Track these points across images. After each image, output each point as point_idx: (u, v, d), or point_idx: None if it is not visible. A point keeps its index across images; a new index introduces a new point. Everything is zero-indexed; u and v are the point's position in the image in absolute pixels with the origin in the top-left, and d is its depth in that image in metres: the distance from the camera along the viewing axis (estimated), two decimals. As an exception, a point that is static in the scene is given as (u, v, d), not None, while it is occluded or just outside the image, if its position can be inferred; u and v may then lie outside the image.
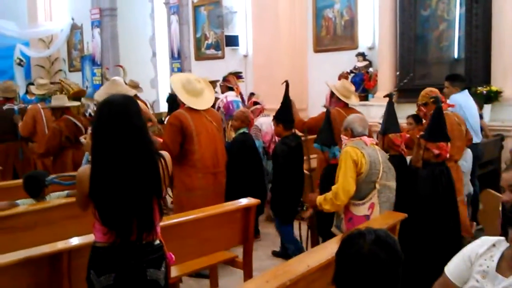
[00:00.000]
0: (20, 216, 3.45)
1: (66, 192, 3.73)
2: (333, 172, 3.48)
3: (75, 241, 2.59)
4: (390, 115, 4.04)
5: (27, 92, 10.10)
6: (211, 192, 4.18)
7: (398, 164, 3.71)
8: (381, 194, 3.38)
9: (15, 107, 6.51)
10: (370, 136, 3.72)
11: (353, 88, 5.15)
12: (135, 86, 7.24)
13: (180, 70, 10.84)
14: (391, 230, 3.15)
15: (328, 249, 2.60)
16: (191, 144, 4.11)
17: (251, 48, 9.40)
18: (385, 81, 7.53)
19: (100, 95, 5.37)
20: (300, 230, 4.44)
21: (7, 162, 6.26)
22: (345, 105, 4.90)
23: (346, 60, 8.10)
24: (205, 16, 10.37)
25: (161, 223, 2.33)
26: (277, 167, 4.53)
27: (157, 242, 2.29)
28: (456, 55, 6.90)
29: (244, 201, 3.61)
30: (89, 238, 2.38)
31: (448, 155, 3.77)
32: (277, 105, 5.07)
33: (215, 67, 10.17)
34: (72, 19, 13.58)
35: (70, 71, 14.02)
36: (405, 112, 7.25)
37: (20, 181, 4.41)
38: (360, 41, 8.09)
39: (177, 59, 10.92)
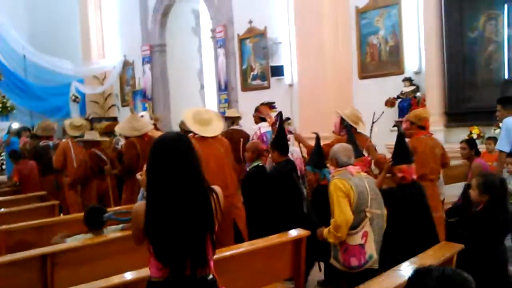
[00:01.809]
0: (78, 250, 3.59)
1: (121, 225, 3.86)
2: (323, 192, 3.65)
3: (131, 275, 2.65)
4: (399, 148, 4.11)
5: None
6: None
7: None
8: (374, 222, 3.45)
9: (50, 143, 7.07)
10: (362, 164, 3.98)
11: (361, 115, 5.26)
12: (157, 119, 8.01)
13: (227, 101, 11.07)
14: (448, 262, 3.09)
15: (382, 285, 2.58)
16: None
17: (296, 77, 9.50)
18: (434, 105, 7.42)
19: (121, 127, 5.95)
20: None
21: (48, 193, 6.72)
22: (355, 131, 4.98)
23: (392, 86, 8.04)
24: (251, 48, 10.59)
25: (214, 257, 2.37)
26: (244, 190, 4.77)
27: (211, 276, 2.30)
28: (506, 76, 6.74)
29: (294, 233, 3.61)
30: (145, 272, 2.43)
31: (414, 176, 3.91)
32: (324, 133, 5.18)
33: (261, 97, 10.26)
34: (124, 56, 14.16)
35: (122, 105, 14.53)
36: (456, 136, 7.13)
37: (75, 215, 4.66)
38: (406, 66, 8.02)
39: (224, 91, 11.16)
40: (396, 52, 8.15)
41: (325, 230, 3.47)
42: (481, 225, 3.46)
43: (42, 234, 4.56)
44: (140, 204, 2.31)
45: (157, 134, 6.26)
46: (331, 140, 4.96)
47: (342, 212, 3.32)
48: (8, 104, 14.94)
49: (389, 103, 7.90)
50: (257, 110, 6.93)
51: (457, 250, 3.23)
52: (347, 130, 4.69)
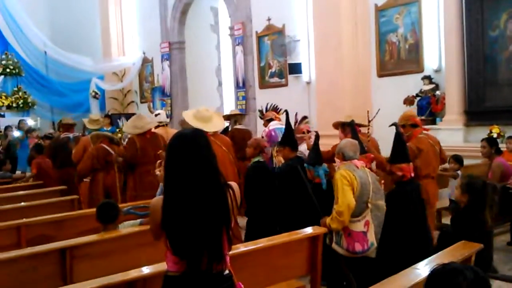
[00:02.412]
0: (96, 244, 3.66)
1: (139, 220, 3.91)
2: (316, 189, 4.09)
3: (149, 269, 2.69)
4: (398, 145, 4.22)
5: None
6: None
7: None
8: (373, 213, 3.71)
9: (71, 135, 7.25)
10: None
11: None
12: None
13: (245, 98, 11.10)
14: (466, 261, 3.09)
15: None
16: None
17: (314, 75, 9.48)
18: (453, 104, 7.35)
19: (127, 126, 6.31)
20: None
21: (66, 186, 6.91)
22: (359, 131, 5.15)
23: (412, 84, 7.98)
24: (269, 45, 10.60)
25: (230, 252, 2.39)
26: (280, 187, 4.87)
27: (227, 272, 2.32)
28: (528, 75, 6.64)
29: (310, 230, 3.64)
30: (162, 266, 2.45)
31: (412, 174, 3.99)
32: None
33: (278, 94, 10.33)
34: (144, 53, 14.28)
35: (141, 102, 14.67)
36: (475, 135, 7.05)
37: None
38: (425, 64, 7.94)
39: (242, 88, 11.19)
40: (415, 50, 8.07)
41: (328, 218, 3.71)
42: (461, 223, 3.71)
43: (62, 228, 4.66)
44: (157, 199, 2.34)
45: (172, 132, 6.46)
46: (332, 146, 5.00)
47: (345, 198, 3.57)
48: (29, 100, 15.22)
49: (408, 101, 7.84)
50: (262, 117, 7.08)
51: (476, 249, 3.21)
52: (351, 128, 4.78)
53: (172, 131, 7.26)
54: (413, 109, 7.83)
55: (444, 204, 5.97)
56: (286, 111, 5.72)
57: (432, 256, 3.19)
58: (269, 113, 7.07)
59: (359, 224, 3.66)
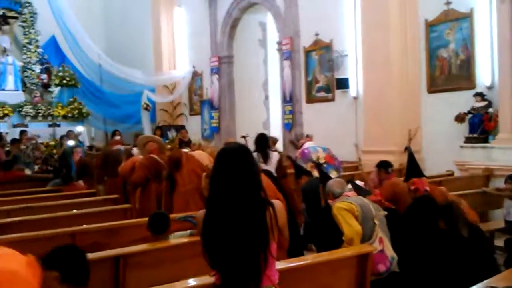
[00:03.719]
0: (148, 253, 3.78)
1: (189, 231, 4.02)
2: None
3: (195, 281, 2.75)
4: (411, 165, 4.72)
5: (154, 134, 11.02)
6: None
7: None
8: (382, 227, 3.72)
9: (122, 148, 7.49)
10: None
11: None
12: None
13: (292, 112, 11.16)
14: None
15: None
16: None
17: (362, 90, 9.44)
18: (507, 121, 7.12)
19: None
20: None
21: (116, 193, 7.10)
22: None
23: (463, 101, 7.81)
24: (316, 60, 10.64)
25: (279, 267, 2.41)
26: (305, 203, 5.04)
27: None
28: None
29: (360, 247, 3.63)
30: (209, 279, 2.49)
31: (426, 188, 4.24)
32: (389, 147, 5.26)
33: (325, 109, 10.36)
34: (193, 67, 14.60)
35: (190, 114, 14.99)
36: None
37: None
38: (477, 80, 7.77)
39: (289, 102, 11.26)
40: (467, 66, 7.92)
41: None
42: None
43: (115, 235, 4.83)
44: (202, 211, 2.40)
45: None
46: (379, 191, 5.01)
47: (350, 226, 3.59)
48: (84, 110, 15.86)
49: (459, 118, 7.67)
50: (297, 147, 7.31)
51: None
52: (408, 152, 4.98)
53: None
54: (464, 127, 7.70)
55: (497, 225, 5.80)
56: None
57: (486, 280, 3.11)
58: (302, 140, 7.33)
59: (375, 245, 3.63)
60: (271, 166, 6.05)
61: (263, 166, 5.82)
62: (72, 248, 2.29)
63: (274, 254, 2.33)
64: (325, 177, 4.72)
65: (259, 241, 2.25)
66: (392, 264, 3.67)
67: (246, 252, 2.23)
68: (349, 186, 4.37)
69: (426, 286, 3.79)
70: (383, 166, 5.34)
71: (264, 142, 6.25)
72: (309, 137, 7.77)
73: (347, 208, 3.66)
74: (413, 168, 4.42)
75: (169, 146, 8.39)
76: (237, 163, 2.31)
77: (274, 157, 6.16)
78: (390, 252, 3.68)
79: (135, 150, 7.63)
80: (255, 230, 2.25)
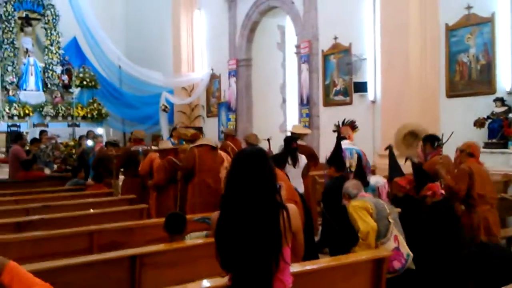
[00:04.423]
0: (164, 253, 3.81)
1: (205, 232, 4.04)
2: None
3: (216, 281, 2.76)
4: (392, 165, 5.02)
5: (171, 135, 11.09)
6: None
7: (406, 202, 4.35)
8: (397, 225, 3.82)
9: (140, 149, 7.66)
10: None
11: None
12: (231, 133, 9.23)
13: (309, 115, 11.15)
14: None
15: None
16: None
17: (380, 94, 9.39)
18: (527, 127, 7.03)
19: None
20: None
21: (133, 193, 7.21)
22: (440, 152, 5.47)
23: (483, 106, 7.71)
24: (334, 64, 10.62)
25: (293, 270, 2.41)
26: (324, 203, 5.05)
27: None
28: None
29: (378, 251, 3.62)
30: (221, 280, 2.51)
31: (442, 192, 4.30)
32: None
33: (342, 112, 10.28)
34: (212, 69, 14.68)
35: (207, 116, 15.07)
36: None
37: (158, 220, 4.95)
38: (498, 85, 7.67)
39: (306, 105, 11.25)
40: (487, 71, 7.82)
41: (356, 247, 3.76)
42: None
43: (131, 235, 4.88)
44: (217, 213, 2.43)
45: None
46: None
47: (364, 221, 3.68)
48: (103, 111, 16.07)
49: (479, 123, 7.58)
50: (337, 131, 6.96)
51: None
52: (390, 152, 5.14)
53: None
54: (483, 132, 7.60)
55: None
56: (338, 133, 5.87)
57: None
58: (343, 129, 6.95)
59: (390, 243, 3.72)
60: (299, 169, 6.05)
61: (291, 169, 5.83)
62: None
63: (287, 259, 2.32)
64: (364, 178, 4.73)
65: (271, 245, 2.25)
66: (408, 261, 3.74)
67: (257, 255, 2.23)
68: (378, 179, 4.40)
69: (440, 284, 3.85)
70: (430, 139, 5.39)
71: (292, 144, 6.25)
72: (353, 128, 6.99)
73: (362, 206, 3.77)
74: (420, 174, 4.42)
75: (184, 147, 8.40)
76: (253, 166, 2.32)
77: (303, 160, 6.14)
78: (405, 249, 3.76)
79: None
80: (267, 233, 2.25)
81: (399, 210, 3.97)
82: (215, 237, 2.35)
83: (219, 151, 7.15)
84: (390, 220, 3.77)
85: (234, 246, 2.26)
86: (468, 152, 5.19)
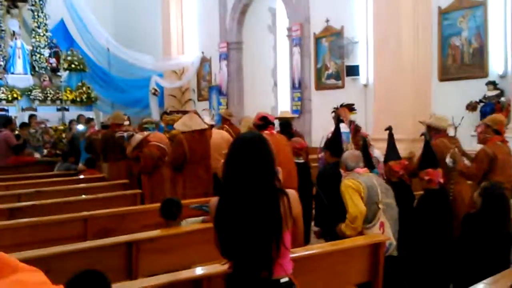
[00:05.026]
0: (161, 238, 3.81)
1: (201, 218, 4.04)
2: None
3: (216, 268, 2.76)
4: (390, 146, 4.74)
5: (161, 119, 11.04)
6: None
7: (399, 189, 4.23)
8: (387, 213, 3.76)
9: (125, 134, 7.64)
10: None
11: (446, 118, 5.45)
12: (230, 115, 8.84)
13: (300, 99, 11.12)
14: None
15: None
16: None
17: (372, 77, 9.38)
18: (519, 111, 7.07)
19: (178, 123, 6.42)
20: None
21: (119, 177, 7.24)
22: (446, 135, 5.22)
23: (475, 89, 7.74)
24: (326, 47, 10.57)
25: (293, 255, 2.40)
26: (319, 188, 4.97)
27: (286, 279, 2.31)
28: None
29: (375, 237, 3.65)
30: (215, 267, 2.52)
31: (440, 180, 4.21)
32: (399, 136, 5.23)
33: (334, 96, 10.25)
34: (202, 52, 14.54)
35: (198, 100, 14.97)
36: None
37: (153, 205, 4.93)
38: (490, 69, 7.69)
39: (298, 89, 11.22)
40: (479, 54, 7.83)
41: (342, 225, 3.75)
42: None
43: (126, 221, 4.86)
44: (215, 199, 2.40)
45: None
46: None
47: (355, 205, 3.65)
48: (92, 95, 15.89)
49: (471, 107, 7.62)
50: (335, 112, 6.91)
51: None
52: (389, 133, 4.89)
53: (223, 133, 7.41)
54: (476, 115, 7.64)
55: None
56: (338, 115, 5.64)
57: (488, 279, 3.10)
58: (341, 112, 6.89)
59: (375, 229, 3.71)
60: None
61: None
62: (95, 273, 2.18)
63: (287, 244, 2.32)
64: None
65: (271, 229, 2.24)
66: (390, 248, 3.76)
67: (258, 240, 2.23)
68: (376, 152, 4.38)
69: (421, 271, 3.97)
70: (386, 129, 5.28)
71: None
72: (351, 111, 6.93)
73: (354, 188, 3.71)
74: (428, 155, 4.28)
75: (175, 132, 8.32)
76: (252, 151, 2.30)
77: None
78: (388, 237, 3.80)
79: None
80: (268, 218, 2.24)
81: (394, 204, 3.89)
82: (215, 224, 2.33)
83: (222, 132, 7.12)
84: (380, 206, 3.73)
85: (234, 232, 2.24)
86: (494, 128, 4.92)
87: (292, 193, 2.38)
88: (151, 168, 6.54)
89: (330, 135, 6.58)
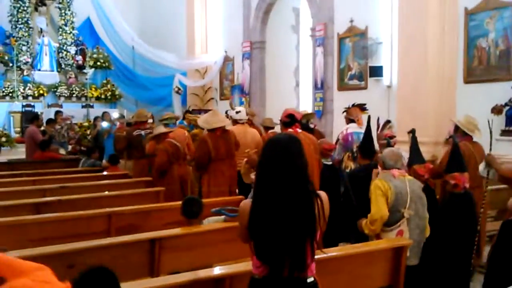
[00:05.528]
0: (183, 236, 3.86)
1: (223, 217, 4.07)
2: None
3: (238, 267, 2.79)
4: (414, 149, 4.62)
5: (184, 118, 11.12)
6: None
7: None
8: (411, 222, 3.71)
9: (142, 132, 7.81)
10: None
11: (476, 122, 5.41)
12: (253, 114, 8.68)
13: (323, 100, 11.08)
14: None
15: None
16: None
17: (396, 78, 9.29)
18: (547, 115, 6.93)
19: (200, 119, 6.55)
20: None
21: (141, 175, 7.39)
22: (471, 139, 5.22)
23: (501, 92, 7.60)
24: (350, 47, 10.50)
25: (315, 257, 2.40)
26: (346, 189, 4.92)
27: (311, 279, 2.33)
28: None
29: (398, 240, 3.63)
30: (233, 267, 2.54)
31: (466, 185, 4.07)
32: (422, 138, 5.18)
33: (357, 97, 10.15)
34: (225, 51, 14.60)
35: (220, 99, 15.03)
36: None
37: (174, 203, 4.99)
38: (517, 71, 7.56)
39: (320, 89, 11.18)
40: (506, 56, 7.68)
41: (363, 222, 3.77)
42: None
43: (148, 218, 4.94)
44: (246, 202, 2.38)
45: (252, 130, 6.72)
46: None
47: (378, 208, 3.64)
48: (116, 92, 16.12)
49: (496, 110, 7.48)
50: (347, 111, 6.90)
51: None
52: (413, 136, 4.82)
53: (251, 130, 7.43)
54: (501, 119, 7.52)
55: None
56: (368, 116, 5.67)
57: None
58: (352, 111, 6.84)
59: (391, 234, 3.69)
60: None
61: None
62: (103, 270, 2.13)
63: (318, 245, 2.35)
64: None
65: (307, 231, 2.26)
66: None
67: (295, 242, 2.23)
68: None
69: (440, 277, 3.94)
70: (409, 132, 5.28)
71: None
72: (362, 110, 6.93)
73: (383, 190, 3.67)
74: (456, 159, 4.16)
75: (196, 131, 8.42)
76: (287, 154, 2.28)
77: None
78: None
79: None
80: (304, 220, 2.24)
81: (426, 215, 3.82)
82: (249, 228, 2.30)
83: (253, 130, 7.25)
84: (405, 215, 3.66)
85: (271, 236, 2.23)
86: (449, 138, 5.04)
87: (323, 195, 2.39)
88: (168, 164, 6.61)
89: (340, 136, 6.59)
